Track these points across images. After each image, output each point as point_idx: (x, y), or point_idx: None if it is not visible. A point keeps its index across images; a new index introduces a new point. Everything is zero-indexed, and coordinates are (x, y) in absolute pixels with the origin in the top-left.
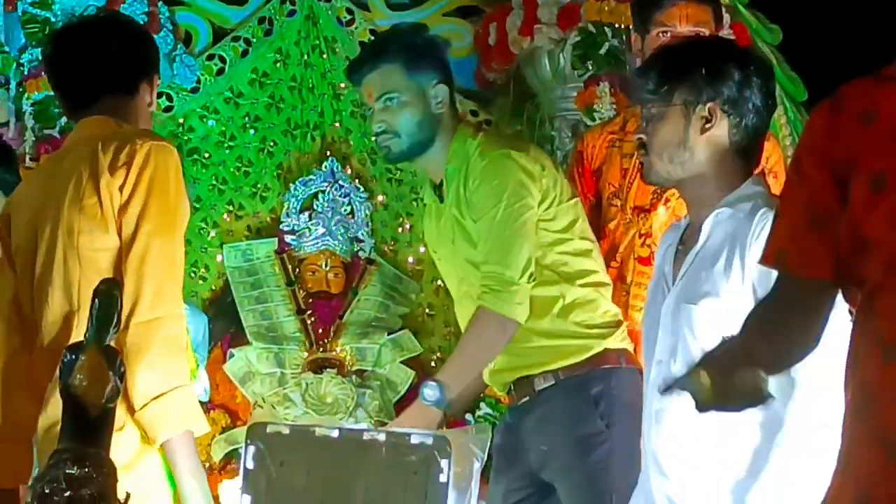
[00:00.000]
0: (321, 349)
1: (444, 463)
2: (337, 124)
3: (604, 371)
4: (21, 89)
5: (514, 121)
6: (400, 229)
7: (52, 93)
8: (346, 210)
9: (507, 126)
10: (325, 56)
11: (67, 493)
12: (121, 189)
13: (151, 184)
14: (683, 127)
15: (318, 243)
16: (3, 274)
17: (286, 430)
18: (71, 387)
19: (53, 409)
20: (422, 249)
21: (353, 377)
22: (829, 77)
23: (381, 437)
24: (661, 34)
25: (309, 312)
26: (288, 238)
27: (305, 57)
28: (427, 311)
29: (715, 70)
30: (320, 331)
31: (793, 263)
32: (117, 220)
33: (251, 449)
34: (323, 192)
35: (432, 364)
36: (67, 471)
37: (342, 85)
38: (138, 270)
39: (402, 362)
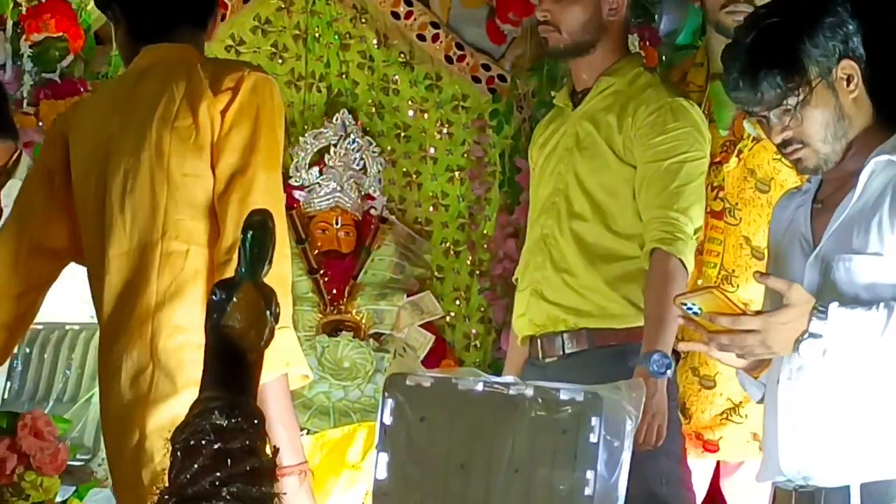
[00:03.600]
0: (335, 311)
1: (594, 421)
2: (343, 76)
3: (641, 345)
4: (19, 30)
5: (531, 76)
6: (408, 188)
7: (52, 34)
8: (358, 166)
9: (525, 83)
10: (330, 3)
11: (217, 446)
12: (223, 113)
13: (259, 114)
14: (833, 99)
15: (329, 200)
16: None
17: (427, 383)
18: (225, 328)
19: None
20: (431, 209)
21: (371, 340)
22: None
23: (529, 392)
24: None
25: (322, 272)
26: (296, 194)
27: (310, 4)
28: (436, 273)
29: (826, 28)
30: (334, 291)
31: None
32: (216, 146)
33: (389, 402)
34: (334, 145)
35: (444, 328)
36: (216, 421)
37: (349, 34)
38: (244, 201)
39: (419, 326)
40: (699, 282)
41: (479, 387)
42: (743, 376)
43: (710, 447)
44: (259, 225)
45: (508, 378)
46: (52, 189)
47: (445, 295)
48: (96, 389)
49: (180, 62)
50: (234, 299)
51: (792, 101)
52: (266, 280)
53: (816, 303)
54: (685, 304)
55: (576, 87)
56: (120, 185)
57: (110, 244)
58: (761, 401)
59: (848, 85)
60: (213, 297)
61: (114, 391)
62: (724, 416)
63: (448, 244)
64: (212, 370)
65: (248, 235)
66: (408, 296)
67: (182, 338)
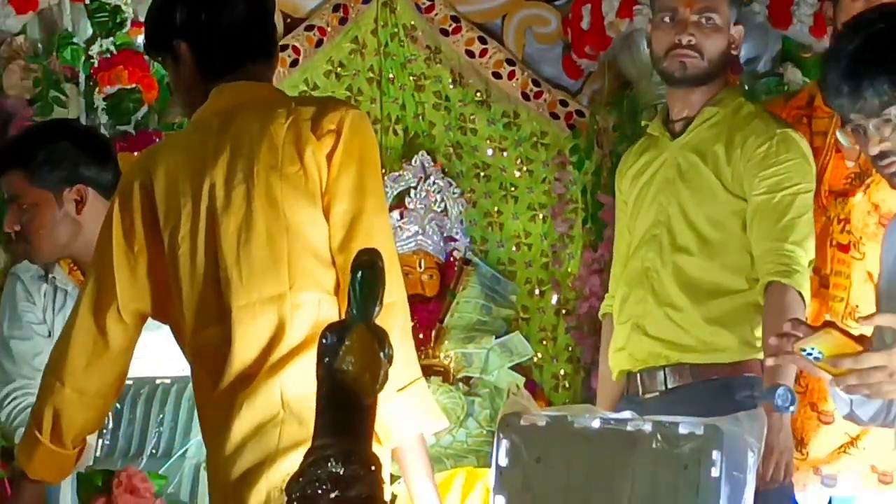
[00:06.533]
0: (423, 356)
1: (716, 455)
2: (419, 117)
3: (747, 379)
4: (92, 83)
5: (610, 110)
6: (490, 228)
7: (125, 86)
8: (439, 208)
9: (604, 118)
10: (404, 45)
11: (334, 495)
12: (328, 157)
13: (363, 155)
14: None
15: (411, 243)
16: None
17: (542, 422)
18: (338, 372)
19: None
20: (514, 249)
21: (460, 384)
22: None
23: (647, 427)
24: None
25: None
26: None
27: (384, 46)
28: (521, 314)
29: None
30: (421, 336)
31: None
32: (326, 191)
33: (504, 444)
34: (414, 188)
35: (532, 369)
36: (332, 469)
37: (423, 75)
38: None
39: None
40: (826, 316)
41: (596, 424)
42: (834, 390)
43: (827, 481)
44: (368, 265)
45: (625, 414)
46: (132, 245)
47: (532, 335)
48: (191, 443)
49: (270, 103)
50: (347, 342)
51: (894, 110)
52: (387, 328)
53: None
54: (804, 350)
55: (671, 115)
56: (233, 236)
57: (232, 298)
58: (847, 415)
59: None
60: (324, 340)
61: (232, 448)
62: (842, 449)
63: (532, 284)
64: (325, 416)
65: (358, 276)
66: (496, 338)
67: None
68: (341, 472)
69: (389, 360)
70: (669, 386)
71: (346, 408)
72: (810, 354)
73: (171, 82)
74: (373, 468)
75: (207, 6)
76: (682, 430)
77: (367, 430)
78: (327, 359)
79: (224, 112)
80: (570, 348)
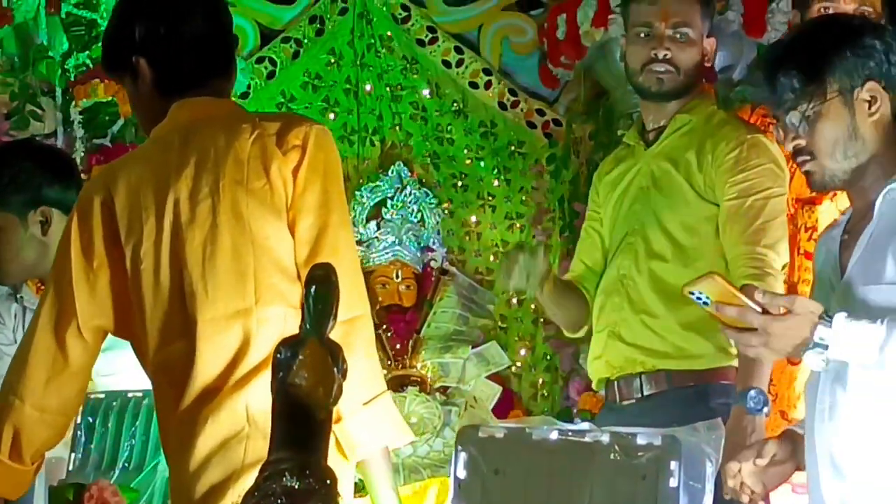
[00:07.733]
0: (400, 366)
1: (674, 465)
2: (397, 128)
3: (722, 386)
4: (68, 96)
5: (587, 119)
6: (467, 238)
7: (101, 99)
8: (416, 218)
9: (581, 127)
10: (380, 56)
11: None
12: (294, 173)
13: (327, 170)
14: (849, 117)
15: (388, 254)
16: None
17: (500, 434)
18: (292, 387)
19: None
20: (492, 258)
21: (437, 394)
22: None
23: (605, 438)
24: (822, 9)
25: (384, 327)
26: None
27: (360, 57)
28: (500, 323)
29: (858, 47)
30: (398, 346)
31: None
32: (291, 206)
33: (462, 455)
34: (391, 198)
35: (511, 378)
36: (287, 483)
37: (400, 86)
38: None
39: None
40: None
41: (554, 435)
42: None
43: (798, 488)
44: (322, 279)
45: (583, 425)
46: (91, 261)
47: (510, 345)
48: (163, 457)
49: (233, 118)
50: (300, 357)
51: (803, 107)
52: (353, 342)
53: (824, 312)
54: (693, 294)
55: (646, 125)
56: (199, 250)
57: (198, 312)
58: None
59: (870, 108)
60: (278, 355)
61: (196, 464)
62: None
63: (510, 293)
64: (280, 431)
65: (312, 290)
66: (473, 347)
67: None
68: (296, 487)
69: (343, 374)
70: (646, 393)
71: (300, 422)
72: (699, 299)
73: (130, 99)
74: (328, 482)
75: (166, 22)
76: (640, 440)
77: (321, 444)
78: (281, 373)
79: (184, 127)
80: (548, 357)
